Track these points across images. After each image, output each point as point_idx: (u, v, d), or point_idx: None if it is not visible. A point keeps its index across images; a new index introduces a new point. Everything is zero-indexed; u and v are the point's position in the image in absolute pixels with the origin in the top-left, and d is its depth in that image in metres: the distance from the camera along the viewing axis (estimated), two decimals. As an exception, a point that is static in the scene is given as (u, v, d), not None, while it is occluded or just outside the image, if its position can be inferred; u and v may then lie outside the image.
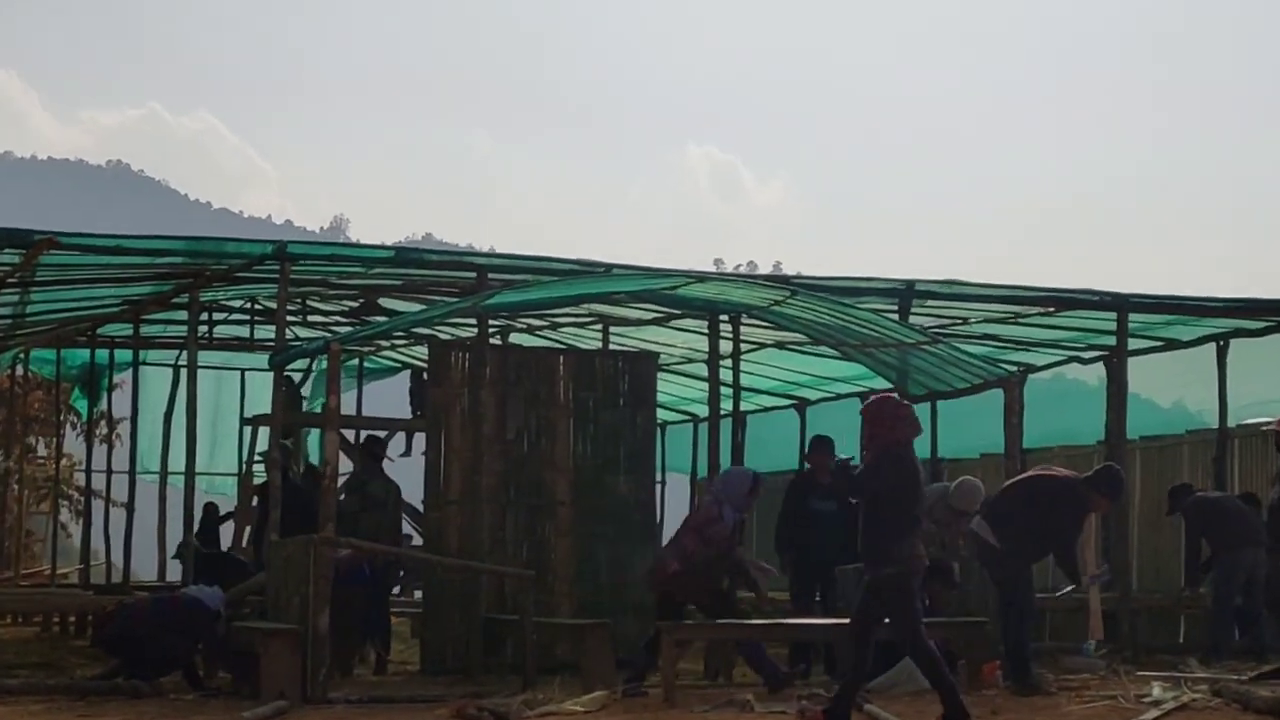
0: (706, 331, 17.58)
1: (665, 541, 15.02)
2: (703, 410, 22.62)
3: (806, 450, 16.40)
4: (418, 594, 22.84)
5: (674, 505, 25.57)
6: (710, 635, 14.16)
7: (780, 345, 20.60)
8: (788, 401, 24.58)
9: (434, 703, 12.63)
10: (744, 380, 19.32)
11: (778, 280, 17.25)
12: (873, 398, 11.24)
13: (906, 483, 10.66)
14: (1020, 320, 18.61)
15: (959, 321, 18.88)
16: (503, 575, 15.83)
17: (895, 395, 11.58)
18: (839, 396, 23.52)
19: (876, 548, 10.61)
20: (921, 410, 18.26)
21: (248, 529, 19.86)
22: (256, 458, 23.39)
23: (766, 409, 25.00)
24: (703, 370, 20.03)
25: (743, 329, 18.03)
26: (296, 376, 25.16)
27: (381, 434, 19.81)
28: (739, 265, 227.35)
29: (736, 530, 13.81)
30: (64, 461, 29.40)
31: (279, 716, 12.06)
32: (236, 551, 20.74)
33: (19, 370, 26.56)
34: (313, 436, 25.29)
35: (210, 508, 23.43)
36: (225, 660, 14.37)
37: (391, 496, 17.43)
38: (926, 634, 10.78)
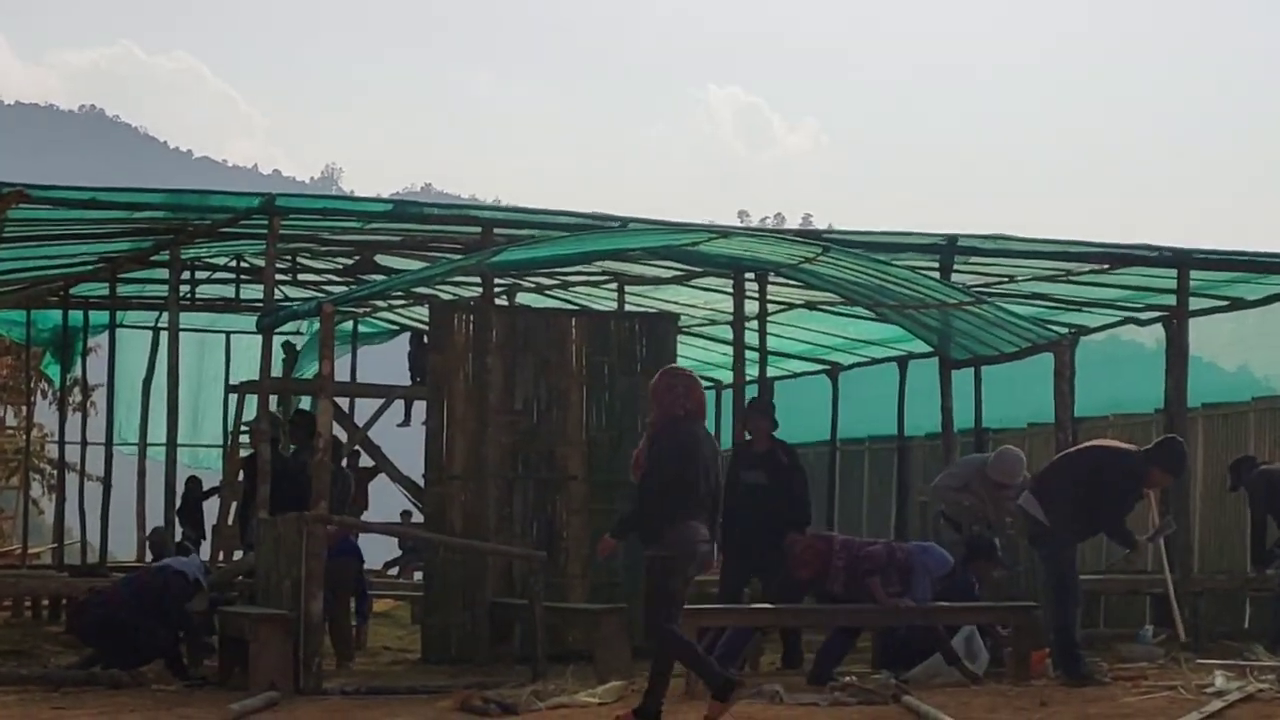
0: (730, 291, 17.57)
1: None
2: (727, 376, 22.58)
3: (744, 414, 16.01)
4: (418, 576, 22.94)
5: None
6: (733, 622, 14.17)
7: (811, 306, 20.59)
8: (819, 367, 24.57)
9: (436, 694, 12.66)
10: (771, 344, 19.31)
11: (808, 235, 17.22)
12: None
13: (683, 460, 10.70)
14: (1072, 278, 18.57)
15: (1005, 280, 18.85)
16: (510, 556, 15.85)
17: (678, 367, 11.60)
18: (874, 361, 23.51)
19: (649, 528, 10.74)
20: (965, 376, 18.43)
21: (233, 506, 19.93)
22: (243, 428, 23.46)
23: (795, 375, 25.00)
24: (727, 333, 20.02)
25: (770, 288, 18.02)
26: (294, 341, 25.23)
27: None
28: (766, 218, 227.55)
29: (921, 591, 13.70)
30: (35, 432, 29.45)
31: (270, 708, 12.11)
32: (221, 528, 20.83)
33: (-15, 334, 26.63)
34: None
35: (193, 482, 23.53)
36: (208, 634, 14.43)
37: None
38: (677, 628, 10.81)
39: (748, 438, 15.65)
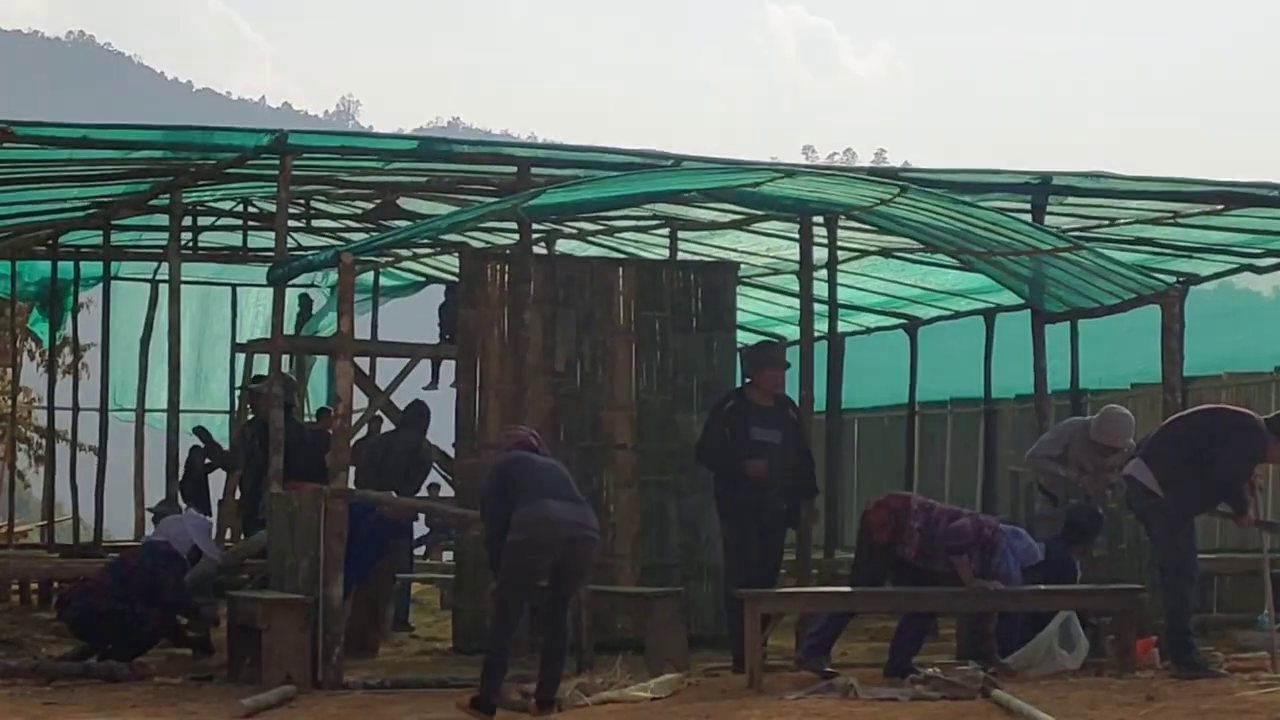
0: (796, 237, 17.52)
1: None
2: (792, 332, 22.57)
3: (748, 362, 15.49)
4: (447, 557, 23.01)
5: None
6: (805, 607, 14.18)
7: (886, 253, 20.55)
8: (895, 321, 24.51)
9: (469, 687, 12.67)
10: (842, 295, 19.28)
11: (883, 174, 17.15)
12: None
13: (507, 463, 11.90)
14: (1181, 221, 18.49)
15: (1105, 222, 18.78)
16: (551, 534, 15.87)
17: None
18: (957, 315, 23.44)
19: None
20: (1060, 331, 18.37)
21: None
22: (251, 387, 23.51)
23: (869, 330, 24.95)
24: (792, 284, 19.99)
25: (841, 233, 17.98)
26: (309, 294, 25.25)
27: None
28: (834, 155, 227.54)
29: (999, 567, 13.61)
30: (21, 397, 29.62)
31: (285, 704, 12.16)
32: (227, 503, 20.89)
33: (-35, 288, 26.73)
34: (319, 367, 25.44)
35: (196, 452, 23.58)
36: (194, 618, 14.50)
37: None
38: (510, 620, 11.68)
39: (742, 387, 15.31)
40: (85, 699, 12.51)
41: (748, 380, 15.21)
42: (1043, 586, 13.63)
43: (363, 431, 21.10)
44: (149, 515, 20.41)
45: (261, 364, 21.26)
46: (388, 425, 21.68)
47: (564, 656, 11.92)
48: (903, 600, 13.74)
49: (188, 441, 21.33)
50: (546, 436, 16.44)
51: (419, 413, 19.41)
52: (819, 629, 13.67)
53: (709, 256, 20.73)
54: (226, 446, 21.51)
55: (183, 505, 18.51)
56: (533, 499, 11.56)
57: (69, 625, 14.80)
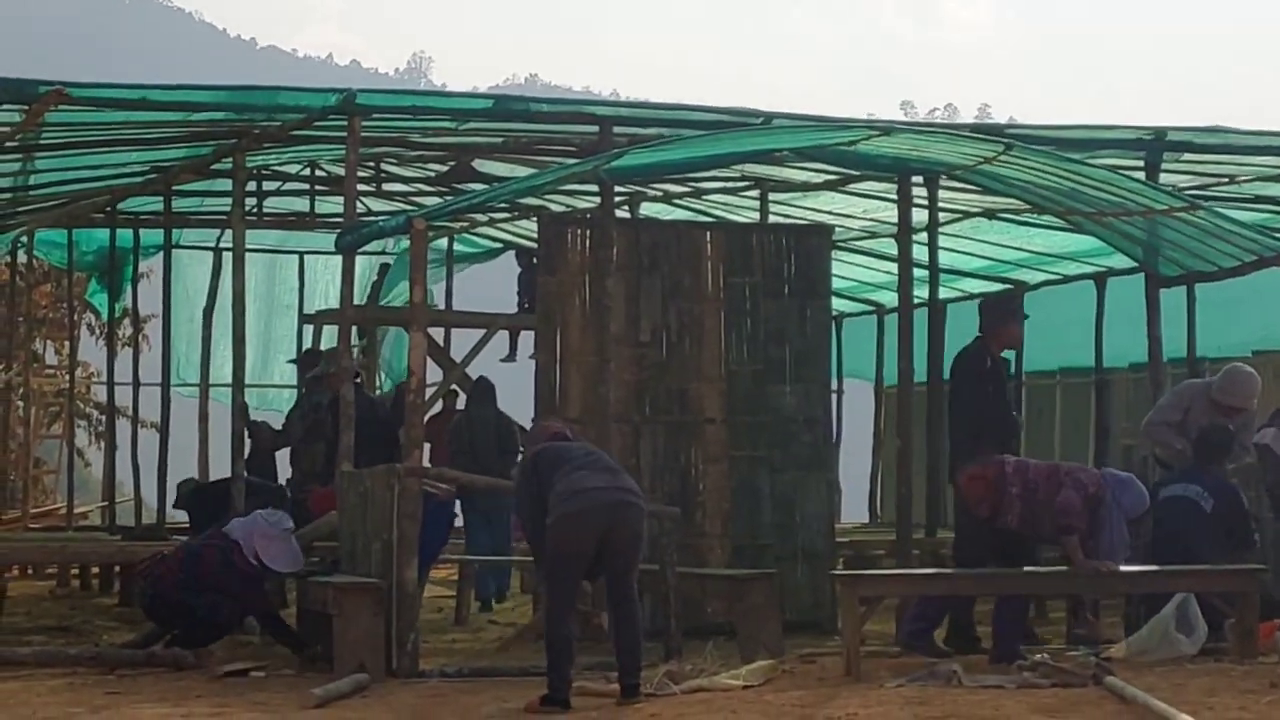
0: (894, 198, 17.49)
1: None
2: (890, 299, 22.57)
3: (991, 315, 15.26)
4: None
5: (854, 420, 25.55)
6: (907, 589, 14.14)
7: (990, 215, 20.49)
8: (1000, 286, 24.43)
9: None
10: (943, 259, 19.18)
11: (987, 131, 17.12)
12: None
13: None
14: (1306, 178, 18.39)
15: (1224, 180, 18.68)
16: (637, 513, 15.88)
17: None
18: (1066, 279, 23.34)
19: None
20: (1176, 295, 18.27)
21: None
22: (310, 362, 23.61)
23: (972, 296, 24.81)
24: (890, 247, 19.97)
25: (942, 194, 17.91)
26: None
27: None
28: (934, 111, 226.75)
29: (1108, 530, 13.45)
30: (79, 372, 29.78)
31: (359, 693, 12.21)
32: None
33: (21, 257, 26.91)
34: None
35: (264, 429, 23.68)
36: (269, 624, 14.52)
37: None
38: (563, 604, 11.91)
39: (983, 341, 15.11)
40: (148, 689, 12.58)
41: (985, 335, 15.11)
42: (1158, 567, 13.55)
43: (437, 407, 21.17)
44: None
45: (330, 336, 21.36)
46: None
47: (639, 636, 11.85)
48: (1010, 582, 13.65)
49: (254, 416, 21.46)
50: (631, 412, 16.61)
51: (484, 388, 19.58)
52: (917, 613, 13.62)
53: (802, 219, 20.67)
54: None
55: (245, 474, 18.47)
56: (566, 476, 11.72)
57: (141, 608, 14.89)
